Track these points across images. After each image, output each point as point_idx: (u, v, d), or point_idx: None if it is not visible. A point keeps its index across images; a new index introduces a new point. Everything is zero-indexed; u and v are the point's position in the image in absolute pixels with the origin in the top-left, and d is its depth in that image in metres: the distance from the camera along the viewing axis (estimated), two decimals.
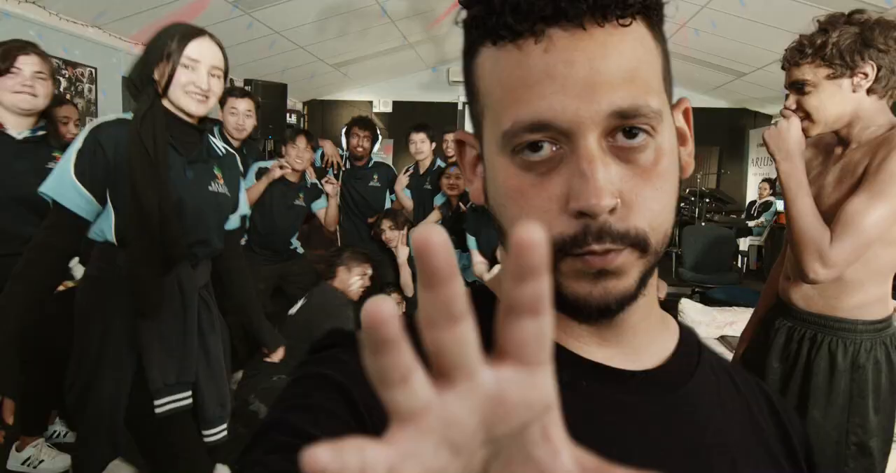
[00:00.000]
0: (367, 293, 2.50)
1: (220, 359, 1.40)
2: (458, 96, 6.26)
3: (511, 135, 0.33)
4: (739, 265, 5.78)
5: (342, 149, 3.24)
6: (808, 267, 1.10)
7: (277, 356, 1.67)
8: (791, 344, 1.27)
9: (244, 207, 1.49)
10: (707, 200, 5.77)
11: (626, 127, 0.33)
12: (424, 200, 3.15)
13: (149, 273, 1.21)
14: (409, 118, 5.21)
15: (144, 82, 1.22)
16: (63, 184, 1.16)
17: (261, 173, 2.64)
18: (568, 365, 0.34)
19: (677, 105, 0.39)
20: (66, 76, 3.47)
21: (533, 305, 0.17)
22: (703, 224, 5.39)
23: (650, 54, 0.34)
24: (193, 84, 1.20)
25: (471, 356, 0.17)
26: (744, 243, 6.06)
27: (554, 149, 0.33)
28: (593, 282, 0.34)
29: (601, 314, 0.35)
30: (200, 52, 1.22)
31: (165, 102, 1.23)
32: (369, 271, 2.48)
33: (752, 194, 6.87)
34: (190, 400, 1.32)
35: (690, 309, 3.11)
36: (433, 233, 0.16)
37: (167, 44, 1.20)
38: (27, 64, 1.57)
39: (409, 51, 5.40)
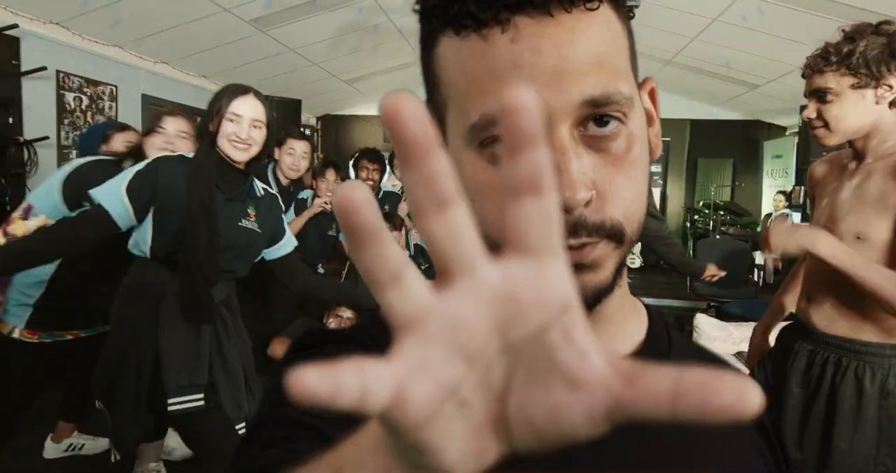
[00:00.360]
0: None
1: (238, 365, 1.52)
2: None
3: (479, 129, 0.32)
4: (756, 278, 5.70)
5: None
6: None
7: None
8: (813, 368, 1.21)
9: (291, 238, 1.72)
10: (721, 213, 5.71)
11: (597, 115, 0.32)
12: None
13: (198, 289, 1.42)
14: None
15: (202, 133, 1.47)
16: (113, 193, 1.37)
17: (298, 205, 2.77)
18: None
19: (643, 85, 0.38)
20: (89, 94, 3.57)
21: (533, 182, 0.15)
22: (717, 237, 5.33)
23: (617, 37, 0.33)
24: (236, 134, 1.42)
25: (468, 247, 0.15)
26: (760, 256, 5.97)
27: None
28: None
29: (587, 304, 0.33)
30: (243, 108, 1.44)
31: (217, 149, 1.45)
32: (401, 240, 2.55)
33: (767, 207, 6.78)
34: (202, 402, 1.41)
35: (706, 324, 3.06)
36: (402, 100, 0.15)
37: (219, 101, 1.44)
38: (171, 123, 1.72)
39: (419, 66, 5.46)
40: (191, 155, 1.47)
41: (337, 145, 7.07)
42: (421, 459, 0.16)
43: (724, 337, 2.99)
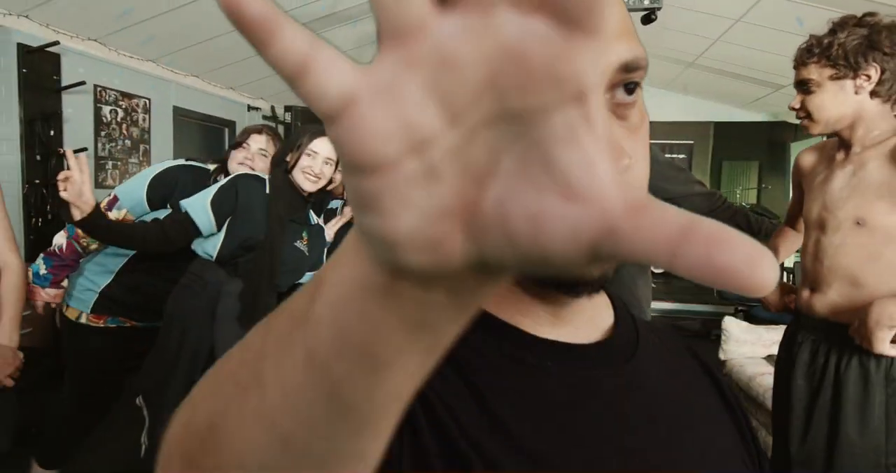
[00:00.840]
0: None
1: None
2: None
3: None
4: (785, 282, 5.58)
5: None
6: None
7: None
8: (817, 358, 1.21)
9: None
10: None
11: (626, 81, 0.31)
12: None
13: (261, 293, 1.57)
14: None
15: (279, 161, 1.68)
16: (199, 204, 1.56)
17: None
18: (532, 347, 0.34)
19: None
20: (124, 107, 3.71)
21: None
22: None
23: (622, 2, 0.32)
24: (311, 168, 1.64)
25: None
26: (789, 260, 5.85)
27: None
28: None
29: (594, 289, 0.33)
30: (321, 147, 1.65)
31: (291, 177, 1.65)
32: None
33: None
34: None
35: (735, 328, 3.00)
36: None
37: (301, 138, 1.66)
38: (255, 141, 1.84)
39: None
40: (264, 175, 1.70)
41: None
42: (366, 217, 0.14)
43: (753, 340, 2.94)
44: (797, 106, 1.18)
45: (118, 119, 3.65)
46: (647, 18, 2.97)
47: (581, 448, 0.32)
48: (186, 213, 1.54)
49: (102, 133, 3.53)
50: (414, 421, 0.29)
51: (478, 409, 0.31)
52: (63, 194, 1.30)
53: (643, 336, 0.40)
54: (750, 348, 2.92)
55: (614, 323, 0.39)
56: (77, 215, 1.32)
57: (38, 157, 3.03)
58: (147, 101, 3.90)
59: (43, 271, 1.68)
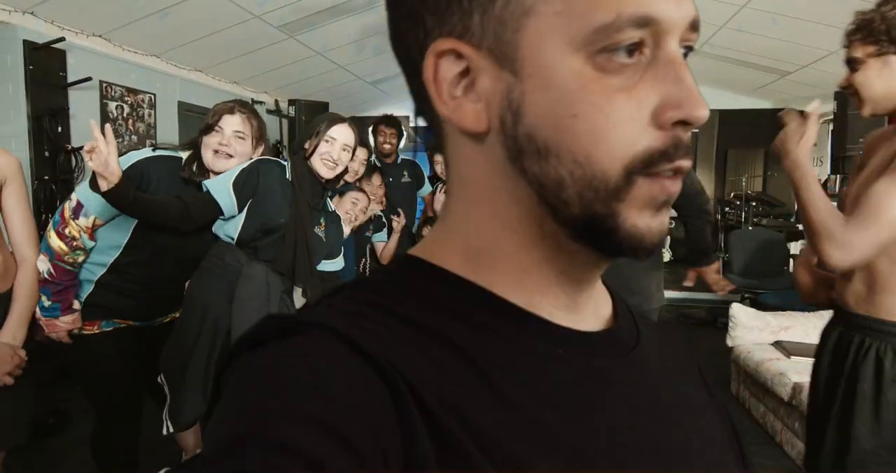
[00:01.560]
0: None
1: None
2: None
3: (613, 30, 0.27)
4: (791, 269, 5.56)
5: (372, 151, 3.36)
6: (823, 253, 1.05)
7: None
8: (840, 347, 1.19)
9: (342, 261, 1.92)
10: (753, 204, 5.59)
11: (687, 40, 0.31)
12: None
13: (292, 272, 1.65)
14: None
15: (297, 149, 1.70)
16: (222, 185, 1.57)
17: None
18: (544, 335, 0.33)
19: None
20: (129, 102, 3.73)
21: None
22: (750, 228, 5.23)
23: None
24: (329, 154, 1.66)
25: None
26: (795, 247, 5.82)
27: (637, 53, 0.29)
28: (655, 214, 0.30)
29: (649, 252, 0.31)
30: (339, 134, 1.67)
31: (309, 164, 1.66)
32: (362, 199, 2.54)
33: None
34: None
35: (742, 314, 3.01)
36: None
37: (319, 125, 1.67)
38: (228, 123, 1.62)
39: None
40: (283, 161, 1.71)
41: (362, 144, 7.17)
42: None
43: (761, 326, 2.95)
44: (844, 84, 1.14)
45: (124, 115, 3.66)
46: None
47: (599, 437, 0.31)
48: (209, 193, 1.55)
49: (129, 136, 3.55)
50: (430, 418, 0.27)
51: (492, 396, 0.29)
52: (90, 164, 1.28)
53: (640, 326, 0.39)
54: (757, 334, 2.93)
55: (613, 312, 0.39)
56: (104, 186, 1.30)
57: (47, 153, 3.06)
58: (152, 97, 3.92)
59: (47, 303, 1.52)
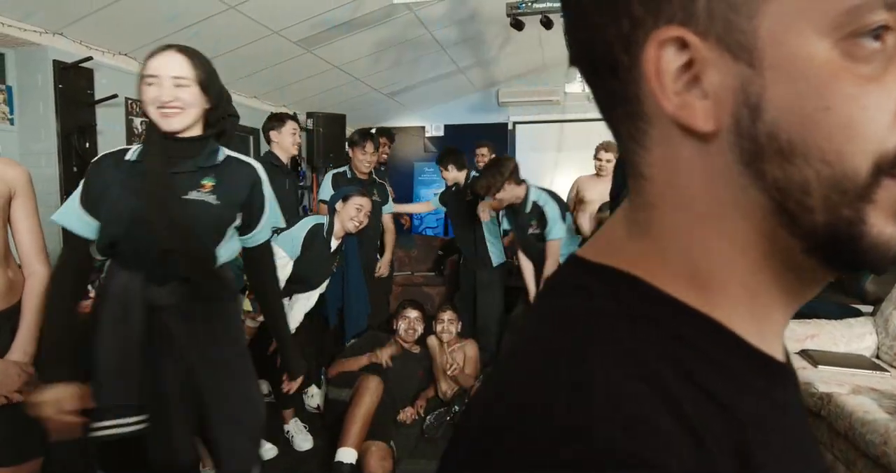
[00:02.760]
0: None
1: (176, 393, 1.31)
2: (508, 117, 6.34)
3: (865, 11, 0.24)
4: None
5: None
6: None
7: (294, 386, 1.67)
8: None
9: (272, 218, 1.43)
10: None
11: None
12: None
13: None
14: (460, 140, 5.35)
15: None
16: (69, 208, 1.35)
17: (335, 179, 3.10)
18: (762, 370, 0.30)
19: None
20: None
21: None
22: None
23: None
24: (158, 99, 1.19)
25: None
26: None
27: (882, 39, 0.25)
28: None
29: (891, 265, 0.28)
30: (158, 67, 1.19)
31: (150, 120, 1.24)
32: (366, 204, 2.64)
33: None
34: (136, 427, 1.25)
35: None
36: None
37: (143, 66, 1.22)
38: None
39: (459, 75, 5.55)
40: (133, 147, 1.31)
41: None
42: None
43: (787, 334, 2.87)
44: None
45: (143, 128, 3.76)
46: None
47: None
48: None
49: (134, 144, 3.64)
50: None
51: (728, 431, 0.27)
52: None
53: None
54: None
55: None
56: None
57: (75, 169, 3.15)
58: None
59: None
